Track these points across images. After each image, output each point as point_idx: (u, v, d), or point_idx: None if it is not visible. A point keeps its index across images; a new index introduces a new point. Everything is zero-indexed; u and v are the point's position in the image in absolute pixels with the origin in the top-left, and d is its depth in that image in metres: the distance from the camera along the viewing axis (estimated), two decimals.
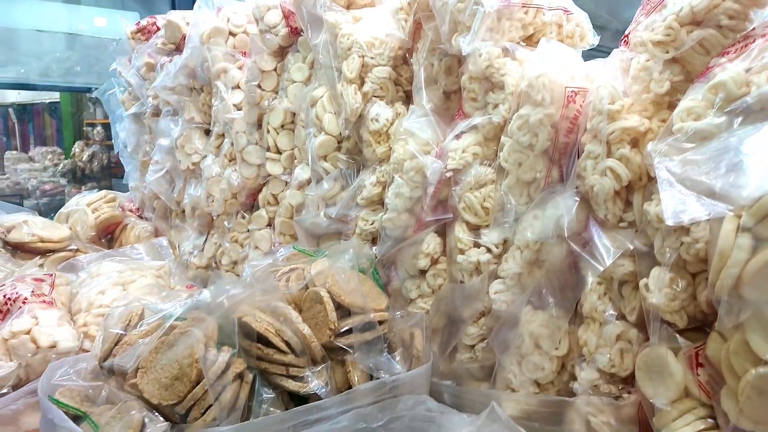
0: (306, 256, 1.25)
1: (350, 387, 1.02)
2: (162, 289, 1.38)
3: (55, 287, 1.34)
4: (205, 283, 1.85)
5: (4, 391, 1.13)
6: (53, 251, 1.90)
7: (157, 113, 2.10)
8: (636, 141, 0.92)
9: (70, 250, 1.91)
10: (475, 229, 1.16)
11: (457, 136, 1.18)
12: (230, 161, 1.76)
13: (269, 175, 1.64)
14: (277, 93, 1.60)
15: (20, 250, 1.90)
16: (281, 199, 1.62)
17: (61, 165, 7.35)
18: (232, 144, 1.73)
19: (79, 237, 2.00)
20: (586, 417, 0.96)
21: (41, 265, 1.77)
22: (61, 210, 2.18)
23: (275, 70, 1.60)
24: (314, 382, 0.98)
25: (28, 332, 1.15)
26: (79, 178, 7.30)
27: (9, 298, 1.23)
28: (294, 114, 1.57)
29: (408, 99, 1.37)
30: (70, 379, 1.04)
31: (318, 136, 1.41)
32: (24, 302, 1.21)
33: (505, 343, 1.09)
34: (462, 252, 1.15)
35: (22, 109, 9.03)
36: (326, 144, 1.41)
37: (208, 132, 1.92)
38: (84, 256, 1.64)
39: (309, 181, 1.51)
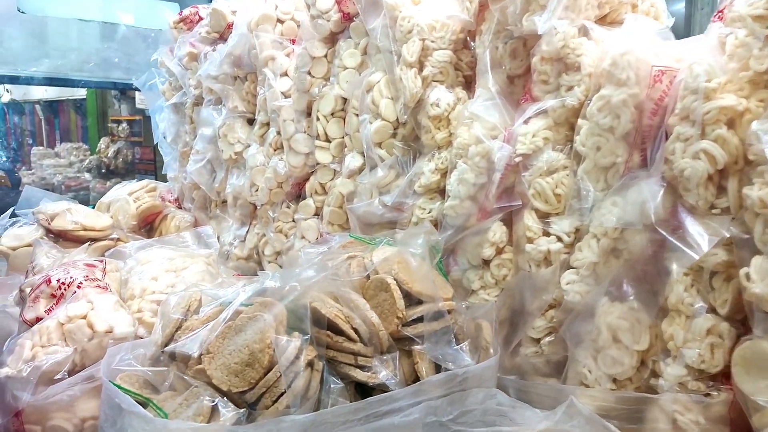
0: (363, 243, 1.21)
1: (417, 378, 0.98)
2: (215, 276, 1.35)
3: (107, 273, 1.32)
4: (247, 274, 1.82)
5: (59, 376, 1.10)
6: (95, 240, 1.89)
7: (199, 103, 2.08)
8: (732, 121, 0.87)
9: (112, 239, 1.90)
10: (544, 217, 1.11)
11: (526, 121, 1.13)
12: (275, 150, 1.73)
13: (317, 163, 1.60)
14: (327, 80, 1.57)
15: (62, 238, 1.89)
16: (330, 188, 1.58)
17: (87, 161, 7.45)
18: (277, 133, 1.70)
19: (121, 226, 1.99)
20: (673, 415, 0.91)
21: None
22: (102, 199, 2.17)
23: (326, 56, 1.57)
24: (383, 372, 0.94)
25: (84, 317, 1.13)
26: (104, 173, 7.39)
27: (63, 282, 1.21)
28: (345, 101, 1.53)
29: (467, 84, 1.33)
30: (130, 364, 1.01)
31: (374, 122, 1.37)
32: (79, 287, 1.19)
33: (579, 336, 1.03)
34: (531, 241, 1.10)
35: (49, 105, 9.16)
36: (382, 130, 1.37)
37: (251, 121, 1.89)
38: (131, 243, 1.62)
39: (360, 170, 1.47)
